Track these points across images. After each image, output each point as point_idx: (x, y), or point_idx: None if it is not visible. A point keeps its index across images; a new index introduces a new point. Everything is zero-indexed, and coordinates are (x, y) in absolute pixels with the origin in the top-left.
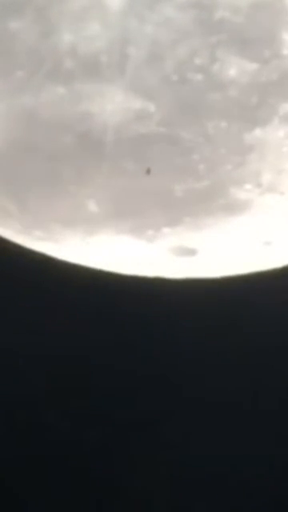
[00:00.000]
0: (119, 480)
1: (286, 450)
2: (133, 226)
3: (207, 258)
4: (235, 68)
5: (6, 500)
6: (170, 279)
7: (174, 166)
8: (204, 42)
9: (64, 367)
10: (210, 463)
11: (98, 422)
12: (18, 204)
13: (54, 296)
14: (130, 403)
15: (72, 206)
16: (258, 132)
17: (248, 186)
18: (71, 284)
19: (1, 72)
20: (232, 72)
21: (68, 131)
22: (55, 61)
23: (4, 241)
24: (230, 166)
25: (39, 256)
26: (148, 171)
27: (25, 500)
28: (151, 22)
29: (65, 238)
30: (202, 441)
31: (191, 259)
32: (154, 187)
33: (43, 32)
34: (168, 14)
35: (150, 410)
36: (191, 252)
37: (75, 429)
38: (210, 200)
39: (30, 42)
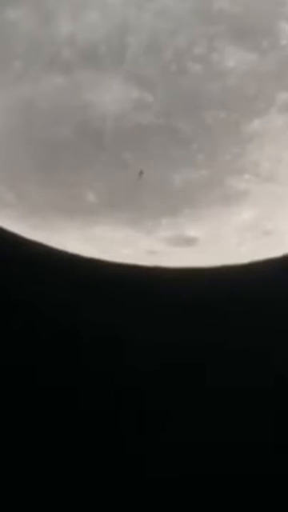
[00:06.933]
0: None
1: None
2: (131, 217)
3: (206, 247)
4: (234, 58)
5: None
6: (170, 268)
7: (173, 157)
8: (203, 32)
9: None
10: None
11: None
12: (16, 193)
13: (52, 285)
14: (132, 396)
15: (70, 196)
16: (256, 122)
17: (247, 176)
18: (69, 273)
19: None
20: (231, 62)
21: (66, 121)
22: (54, 50)
23: (1, 229)
24: (228, 156)
25: (37, 245)
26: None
27: None
28: (150, 11)
29: (63, 228)
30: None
31: (190, 249)
32: (153, 177)
33: (41, 21)
34: (167, 3)
35: (152, 401)
36: (190, 241)
37: None
38: (208, 190)
39: (28, 31)
